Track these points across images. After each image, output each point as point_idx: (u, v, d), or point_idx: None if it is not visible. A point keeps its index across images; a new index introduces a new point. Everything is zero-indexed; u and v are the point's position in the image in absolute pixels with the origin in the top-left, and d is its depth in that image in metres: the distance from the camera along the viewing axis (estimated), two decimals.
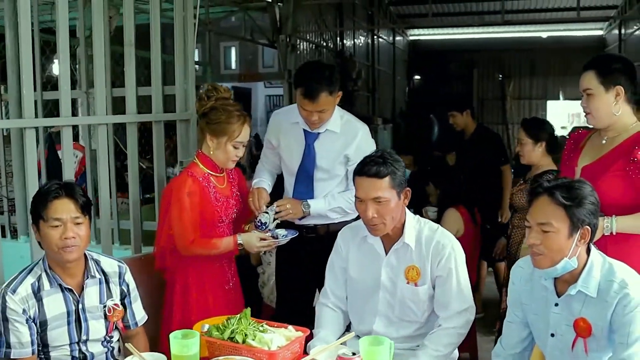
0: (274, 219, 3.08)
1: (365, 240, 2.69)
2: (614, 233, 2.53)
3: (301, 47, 9.43)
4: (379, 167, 2.49)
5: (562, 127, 17.14)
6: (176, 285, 2.99)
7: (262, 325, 2.31)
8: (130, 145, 3.35)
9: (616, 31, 15.63)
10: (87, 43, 3.96)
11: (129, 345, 2.24)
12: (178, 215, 2.85)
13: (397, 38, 17.01)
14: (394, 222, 2.57)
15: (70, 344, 2.39)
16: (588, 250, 2.23)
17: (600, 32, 17.48)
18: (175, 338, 2.14)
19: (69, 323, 2.38)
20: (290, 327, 2.35)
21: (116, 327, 2.51)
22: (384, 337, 2.19)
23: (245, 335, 2.21)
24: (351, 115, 3.36)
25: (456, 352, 2.76)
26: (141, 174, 3.57)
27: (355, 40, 12.91)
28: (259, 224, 3.05)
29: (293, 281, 3.40)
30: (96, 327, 2.44)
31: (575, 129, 5.09)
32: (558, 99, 18.21)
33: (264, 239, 2.97)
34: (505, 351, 2.45)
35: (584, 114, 2.80)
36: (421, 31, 18.33)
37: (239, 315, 2.31)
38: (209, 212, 2.92)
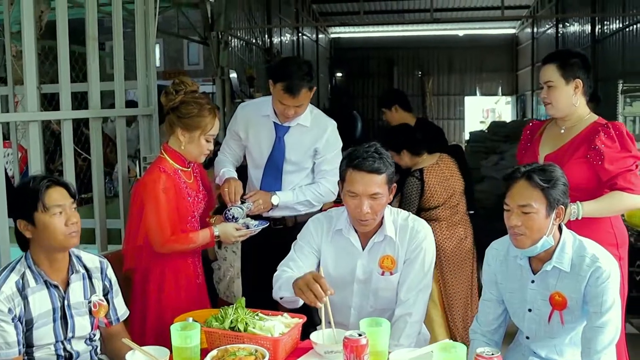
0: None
1: (339, 234, 2.67)
2: (580, 218, 2.72)
3: (232, 43, 9.37)
4: (378, 163, 2.49)
5: (481, 122, 17.87)
6: (150, 284, 2.92)
7: (257, 314, 2.33)
8: (95, 141, 3.27)
9: (528, 30, 16.39)
10: (16, 38, 3.80)
11: (126, 340, 2.21)
12: (155, 212, 2.80)
13: (320, 36, 17.17)
14: (379, 218, 2.59)
15: (56, 342, 2.33)
16: (560, 229, 2.39)
17: (513, 31, 18.27)
18: (176, 330, 2.13)
19: (54, 320, 2.32)
20: (285, 314, 2.37)
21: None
22: (381, 318, 2.27)
23: (247, 324, 2.23)
24: (319, 110, 3.43)
25: (426, 331, 2.84)
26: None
27: (282, 37, 12.95)
28: (230, 217, 3.05)
29: (260, 273, 3.40)
30: (81, 324, 2.39)
31: (525, 120, 5.22)
32: (475, 94, 18.89)
33: (239, 229, 2.99)
34: (482, 328, 2.57)
35: (544, 104, 2.98)
36: (342, 29, 18.57)
37: (234, 305, 2.31)
38: (183, 208, 2.89)
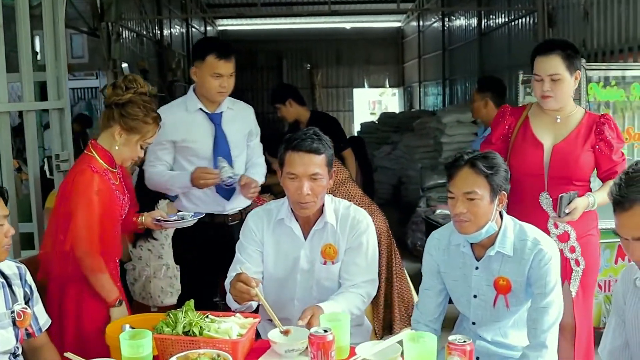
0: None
1: (281, 224, 2.62)
2: (595, 207, 2.83)
3: (124, 35, 8.97)
4: (317, 144, 2.48)
5: (372, 113, 18.23)
6: (68, 291, 2.69)
7: (207, 316, 2.21)
8: (3, 138, 2.99)
9: (414, 23, 16.87)
10: None
11: (70, 355, 2.03)
12: (86, 217, 2.59)
13: (208, 28, 16.85)
14: (321, 201, 2.56)
15: None
16: (501, 215, 2.45)
17: (399, 24, 18.74)
18: (125, 339, 1.99)
19: None
20: (238, 314, 2.27)
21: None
22: (339, 312, 2.23)
23: (201, 327, 2.11)
24: None
25: (368, 323, 2.83)
26: None
27: (172, 29, 12.57)
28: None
29: (199, 271, 3.34)
30: (5, 337, 2.17)
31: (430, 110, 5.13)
32: (363, 86, 19.22)
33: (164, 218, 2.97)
34: (425, 317, 2.59)
35: (540, 97, 2.89)
36: (230, 21, 18.32)
37: (183, 307, 2.18)
38: (114, 211, 2.72)
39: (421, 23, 16.25)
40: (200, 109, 3.29)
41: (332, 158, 2.56)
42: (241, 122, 3.43)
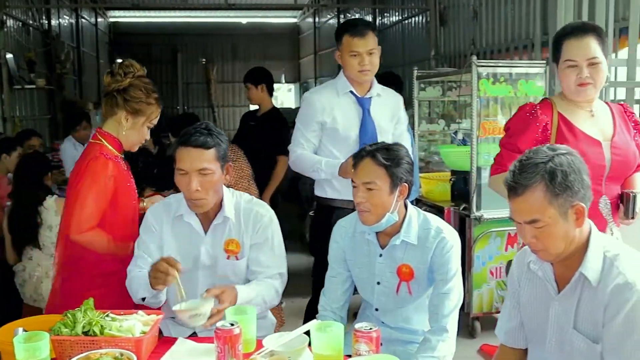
0: None
1: (180, 219, 2.56)
2: None
3: (8, 24, 8.47)
4: (205, 138, 2.43)
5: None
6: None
7: (107, 315, 2.14)
8: None
9: (310, 19, 16.99)
10: None
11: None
12: (94, 200, 2.59)
13: (99, 19, 16.23)
14: (216, 197, 2.51)
15: None
16: (405, 205, 2.51)
17: (295, 20, 18.81)
18: (20, 343, 1.88)
19: None
20: (140, 312, 2.20)
21: None
22: (245, 306, 2.22)
23: (102, 326, 2.03)
24: None
25: (271, 316, 2.82)
26: None
27: (61, 19, 11.99)
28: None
29: None
30: None
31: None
32: None
33: None
34: (332, 304, 2.62)
35: (577, 85, 2.58)
36: (121, 13, 17.74)
37: (81, 307, 2.09)
38: (131, 195, 2.80)
39: (317, 19, 16.39)
40: (351, 92, 3.37)
41: (225, 152, 2.50)
42: (391, 107, 3.48)
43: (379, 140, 3.25)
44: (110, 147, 2.71)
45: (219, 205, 2.55)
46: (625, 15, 4.70)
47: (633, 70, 4.24)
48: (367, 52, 3.28)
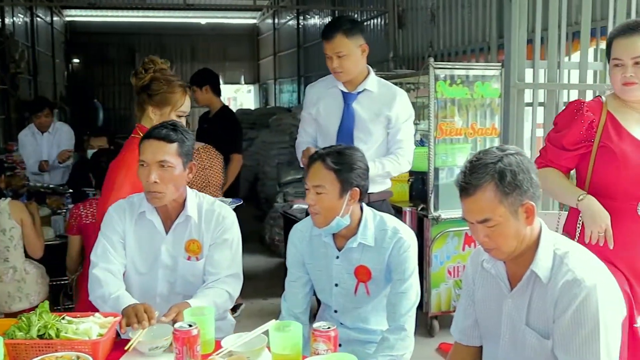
0: None
1: (143, 216, 2.54)
2: None
3: None
4: (169, 132, 2.42)
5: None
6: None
7: (63, 318, 2.11)
8: None
9: (269, 20, 16.98)
10: None
11: None
12: (130, 187, 2.69)
13: (55, 18, 15.93)
14: (175, 193, 2.48)
15: None
16: (361, 208, 2.53)
17: (254, 21, 18.78)
18: None
19: None
20: (97, 314, 2.18)
21: None
22: (204, 306, 2.21)
23: (58, 329, 2.00)
24: (386, 81, 3.57)
25: (230, 317, 2.81)
26: None
27: (15, 18, 11.73)
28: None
29: None
30: None
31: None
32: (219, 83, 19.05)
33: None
34: (293, 309, 2.61)
35: (622, 85, 2.50)
36: (78, 12, 17.47)
37: (37, 310, 2.06)
38: None
39: (276, 20, 16.40)
40: (337, 85, 3.41)
41: (190, 150, 2.49)
42: (378, 105, 3.40)
43: (355, 136, 3.39)
44: None
45: (182, 205, 2.54)
46: (577, 20, 4.82)
47: (584, 73, 4.35)
48: (335, 54, 3.29)
